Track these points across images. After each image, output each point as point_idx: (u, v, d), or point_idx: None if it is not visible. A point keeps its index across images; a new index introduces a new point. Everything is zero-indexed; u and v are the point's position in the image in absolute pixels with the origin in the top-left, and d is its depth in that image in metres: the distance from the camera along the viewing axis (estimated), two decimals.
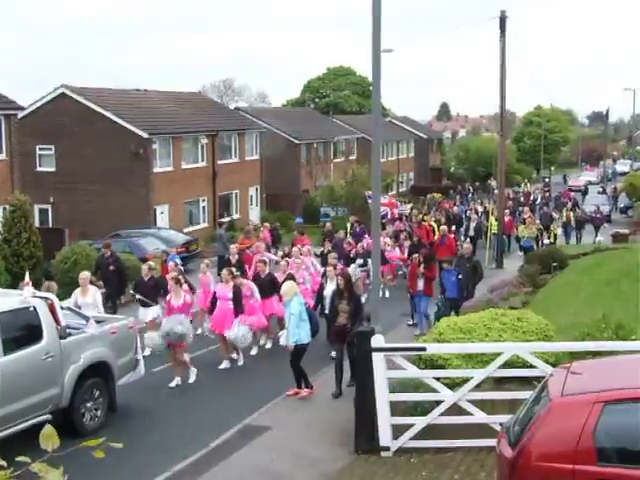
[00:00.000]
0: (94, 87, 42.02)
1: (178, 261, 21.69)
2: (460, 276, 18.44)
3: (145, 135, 38.38)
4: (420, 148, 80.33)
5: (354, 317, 14.34)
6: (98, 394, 12.85)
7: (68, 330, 12.54)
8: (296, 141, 55.32)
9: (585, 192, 67.35)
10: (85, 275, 16.96)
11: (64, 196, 38.28)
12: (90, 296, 16.33)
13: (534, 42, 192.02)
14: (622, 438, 7.02)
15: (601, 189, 68.50)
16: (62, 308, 12.79)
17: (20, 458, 2.74)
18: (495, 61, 31.77)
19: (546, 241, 35.76)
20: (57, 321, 12.25)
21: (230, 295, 16.78)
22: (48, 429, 2.81)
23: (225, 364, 16.75)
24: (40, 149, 39.36)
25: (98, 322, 13.42)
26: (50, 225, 37.64)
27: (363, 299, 23.41)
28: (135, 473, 10.56)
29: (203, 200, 44.00)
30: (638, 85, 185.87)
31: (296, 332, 14.06)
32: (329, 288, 16.76)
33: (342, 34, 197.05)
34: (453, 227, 36.38)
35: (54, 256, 26.21)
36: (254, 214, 49.30)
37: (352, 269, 22.68)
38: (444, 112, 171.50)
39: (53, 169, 39.37)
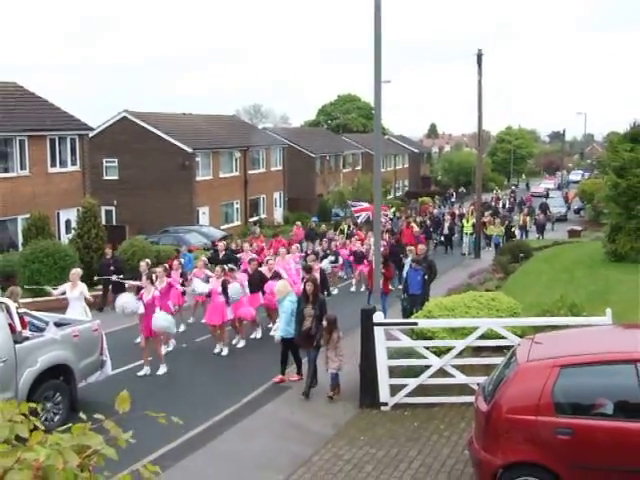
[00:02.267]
0: (149, 112, 42.16)
1: (182, 260, 19.91)
2: (425, 276, 16.57)
3: (190, 150, 38.53)
4: (413, 160, 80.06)
5: (319, 321, 12.21)
6: (58, 395, 10.80)
7: (28, 334, 10.74)
8: (312, 155, 55.21)
9: (546, 196, 66.95)
10: (75, 271, 15.46)
11: (125, 199, 38.53)
12: (77, 291, 14.91)
13: (506, 74, 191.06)
14: (575, 394, 7.08)
15: (561, 194, 68.03)
16: (19, 314, 10.84)
17: (97, 415, 2.70)
18: (474, 89, 31.75)
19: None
20: (13, 326, 10.36)
21: (220, 289, 15.32)
22: (124, 393, 2.77)
23: (218, 348, 15.39)
24: (106, 162, 39.61)
25: (60, 325, 11.46)
26: (114, 223, 37.83)
27: (336, 291, 22.71)
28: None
29: (236, 203, 44.07)
30: (588, 110, 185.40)
31: (285, 328, 12.71)
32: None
33: (350, 65, 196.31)
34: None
35: (117, 248, 26.34)
36: (278, 214, 49.36)
37: (324, 264, 21.17)
38: (432, 131, 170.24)
39: (116, 178, 39.60)
